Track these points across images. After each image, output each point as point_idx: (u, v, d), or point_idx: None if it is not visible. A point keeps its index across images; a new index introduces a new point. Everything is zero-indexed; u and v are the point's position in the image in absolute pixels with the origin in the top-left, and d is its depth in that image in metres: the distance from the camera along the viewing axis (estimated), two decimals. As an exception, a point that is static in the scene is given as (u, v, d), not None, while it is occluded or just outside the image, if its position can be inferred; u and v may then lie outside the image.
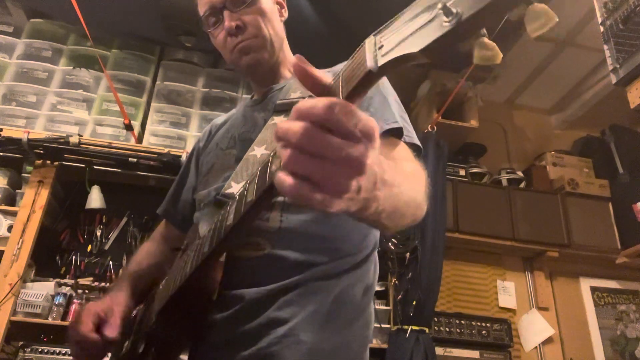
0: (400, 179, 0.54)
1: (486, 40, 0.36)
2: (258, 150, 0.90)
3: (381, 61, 0.40)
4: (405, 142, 0.84)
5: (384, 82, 0.94)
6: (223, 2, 0.98)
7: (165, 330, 0.88)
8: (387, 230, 0.62)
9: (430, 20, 0.36)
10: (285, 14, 1.11)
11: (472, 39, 0.36)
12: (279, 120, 0.93)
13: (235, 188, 0.86)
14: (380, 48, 0.40)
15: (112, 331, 0.91)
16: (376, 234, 0.97)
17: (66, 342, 1.00)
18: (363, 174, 0.43)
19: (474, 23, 0.34)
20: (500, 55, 0.36)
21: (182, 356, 0.87)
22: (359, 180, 0.43)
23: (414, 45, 0.37)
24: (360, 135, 0.41)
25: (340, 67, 1.05)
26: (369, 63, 0.40)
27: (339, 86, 0.45)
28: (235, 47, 0.99)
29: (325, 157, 0.41)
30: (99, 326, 0.93)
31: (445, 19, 0.34)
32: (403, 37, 0.38)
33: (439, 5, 0.35)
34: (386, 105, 0.88)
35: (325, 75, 0.47)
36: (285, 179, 0.41)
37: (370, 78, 0.41)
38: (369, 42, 0.42)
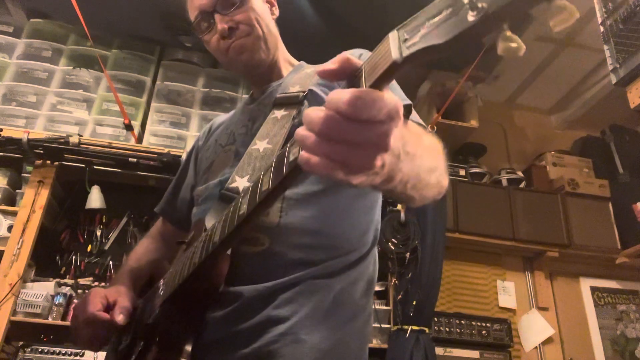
0: (421, 150, 0.56)
1: (509, 33, 0.37)
2: (260, 145, 0.90)
3: (406, 52, 0.41)
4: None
5: None
6: (213, 6, 0.97)
7: (169, 321, 0.87)
8: (414, 202, 0.62)
9: (455, 14, 0.37)
10: (277, 12, 1.10)
11: (496, 32, 0.37)
12: (280, 114, 0.93)
13: (239, 182, 0.86)
14: (404, 41, 0.41)
15: (121, 317, 0.90)
16: (376, 230, 0.96)
17: (70, 324, 0.97)
18: (386, 151, 0.46)
19: (499, 17, 0.36)
20: (524, 47, 0.38)
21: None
22: (383, 157, 0.46)
23: (439, 37, 0.38)
24: (384, 118, 0.44)
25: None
26: (394, 54, 0.42)
27: (362, 77, 0.47)
28: (229, 47, 0.99)
29: (348, 141, 0.44)
30: (106, 309, 0.92)
31: (471, 12, 0.36)
32: (427, 30, 0.39)
33: (465, 0, 0.37)
34: (392, 87, 0.89)
35: (349, 59, 0.49)
36: (309, 157, 0.45)
37: (394, 69, 0.43)
38: (393, 35, 0.43)
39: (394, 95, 0.45)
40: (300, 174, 0.55)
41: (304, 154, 0.45)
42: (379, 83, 0.44)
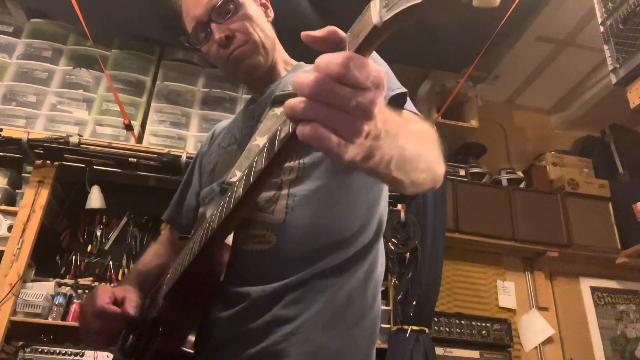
0: (404, 132, 0.56)
1: None
2: (260, 140, 0.90)
3: (386, 16, 0.42)
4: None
5: (379, 59, 0.94)
6: (208, 15, 0.98)
7: (172, 311, 0.88)
8: (403, 187, 0.62)
9: None
10: (272, 14, 1.10)
11: None
12: (279, 111, 0.93)
13: (239, 176, 0.87)
14: (385, 6, 0.42)
15: (133, 309, 0.91)
16: (380, 223, 0.95)
17: (78, 321, 0.98)
18: (372, 119, 0.46)
19: None
20: None
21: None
22: (369, 124, 0.46)
23: None
24: (371, 85, 0.45)
25: None
26: (374, 19, 0.43)
27: (347, 44, 0.48)
28: (228, 57, 0.99)
29: (338, 106, 0.45)
30: (114, 305, 0.93)
31: None
32: None
33: None
34: (387, 75, 0.89)
35: (336, 30, 0.50)
36: (303, 127, 0.45)
37: (375, 34, 0.44)
38: (374, 3, 0.44)
39: (378, 67, 0.46)
40: (292, 149, 0.56)
41: (298, 126, 0.46)
42: (362, 49, 0.45)
